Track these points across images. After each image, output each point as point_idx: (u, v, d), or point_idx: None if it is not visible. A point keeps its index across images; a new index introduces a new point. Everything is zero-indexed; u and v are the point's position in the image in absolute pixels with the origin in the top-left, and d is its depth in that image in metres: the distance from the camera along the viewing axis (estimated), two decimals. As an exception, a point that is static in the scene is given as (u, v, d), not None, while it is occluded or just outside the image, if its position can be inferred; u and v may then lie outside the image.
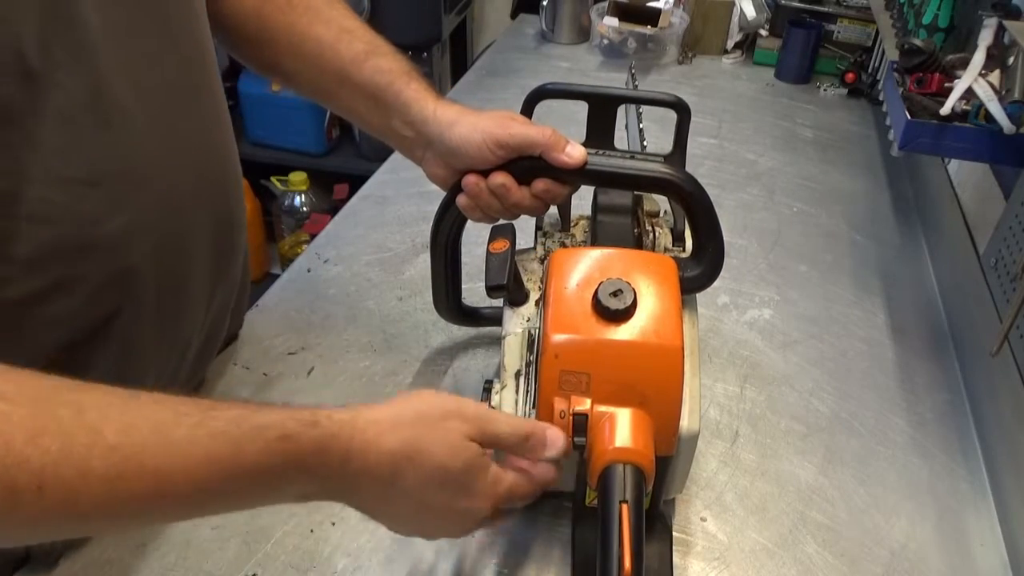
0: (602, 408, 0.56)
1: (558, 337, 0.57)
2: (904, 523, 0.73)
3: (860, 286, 1.02)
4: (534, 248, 0.75)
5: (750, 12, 1.60)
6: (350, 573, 0.65)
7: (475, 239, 0.76)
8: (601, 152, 0.67)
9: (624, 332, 0.56)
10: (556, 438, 0.56)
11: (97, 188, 0.55)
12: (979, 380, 0.86)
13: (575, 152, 0.63)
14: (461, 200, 0.68)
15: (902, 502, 0.75)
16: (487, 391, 0.65)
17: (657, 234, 0.74)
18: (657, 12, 1.57)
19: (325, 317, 0.92)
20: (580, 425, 0.56)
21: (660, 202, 0.77)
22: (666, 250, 0.73)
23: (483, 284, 0.64)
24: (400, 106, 0.69)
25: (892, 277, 1.04)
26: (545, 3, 1.70)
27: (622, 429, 0.55)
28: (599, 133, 0.74)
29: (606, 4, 1.62)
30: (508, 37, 1.80)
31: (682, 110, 0.73)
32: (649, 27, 1.57)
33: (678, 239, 0.74)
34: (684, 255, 0.71)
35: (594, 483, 0.55)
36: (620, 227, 0.72)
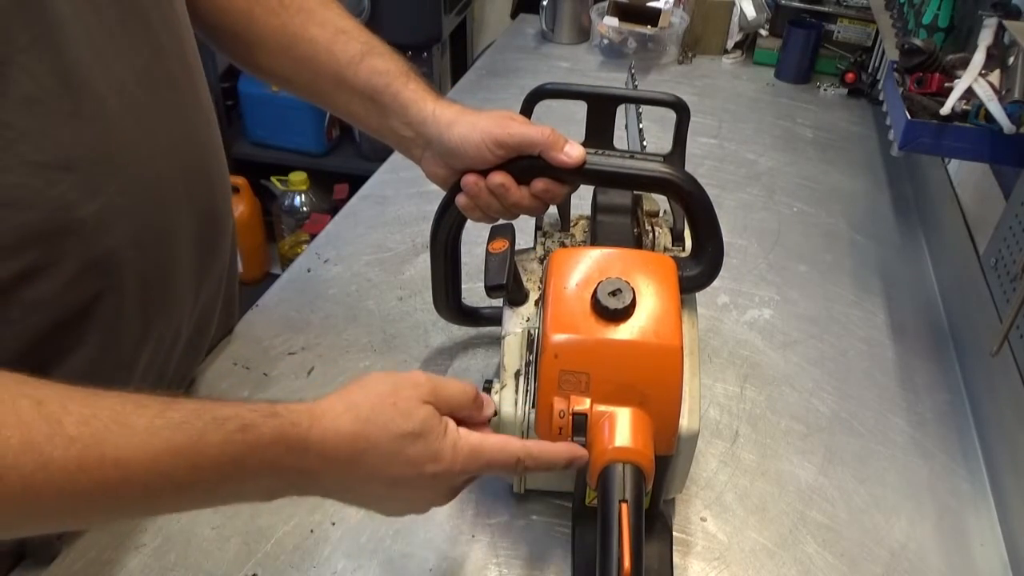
0: (601, 408, 0.56)
1: (557, 337, 0.57)
2: (904, 523, 0.73)
3: (860, 286, 1.02)
4: (533, 248, 0.75)
5: (750, 12, 1.60)
6: (350, 573, 0.65)
7: (475, 239, 0.76)
8: (600, 152, 0.67)
9: (623, 332, 0.56)
10: (488, 399, 0.60)
11: (70, 173, 0.55)
12: (979, 380, 0.86)
13: (574, 151, 0.63)
14: (460, 200, 0.68)
15: (902, 502, 0.75)
16: (487, 391, 0.65)
17: (657, 234, 0.74)
18: (657, 12, 1.57)
19: (325, 317, 0.92)
20: (580, 425, 0.56)
21: (660, 202, 0.77)
22: (666, 249, 0.73)
23: (483, 284, 0.64)
24: (398, 107, 0.69)
25: (892, 277, 1.04)
26: (545, 3, 1.70)
27: (622, 429, 0.55)
28: (598, 133, 0.74)
29: (606, 4, 1.62)
30: (508, 37, 1.80)
31: (681, 110, 0.73)
32: (649, 27, 1.57)
33: (678, 239, 0.74)
34: (684, 255, 0.71)
35: (594, 483, 0.55)
36: (620, 227, 0.72)
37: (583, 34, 1.73)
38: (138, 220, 0.61)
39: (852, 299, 1.00)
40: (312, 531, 0.68)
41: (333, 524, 0.69)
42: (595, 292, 0.57)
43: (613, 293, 0.57)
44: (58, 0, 0.53)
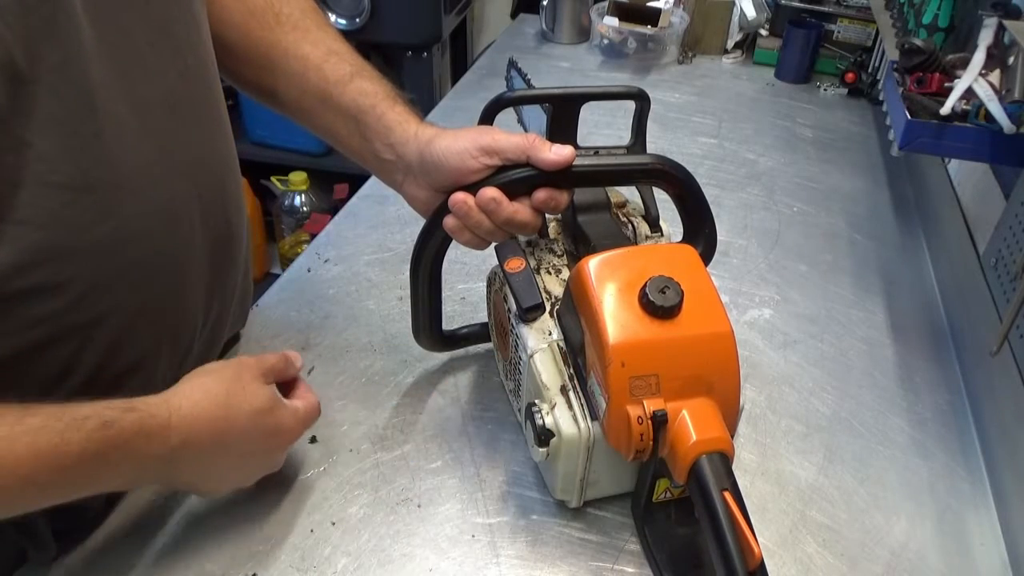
0: (673, 404, 0.57)
1: (622, 344, 0.57)
2: (904, 523, 0.73)
3: (860, 286, 1.02)
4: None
5: (750, 12, 1.60)
6: (350, 573, 0.65)
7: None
8: (585, 152, 0.67)
9: (680, 326, 0.57)
10: (295, 355, 0.68)
11: (87, 195, 0.55)
12: (979, 380, 0.86)
13: (562, 150, 0.63)
14: (449, 221, 0.66)
15: (902, 502, 0.75)
16: (532, 414, 0.63)
17: (635, 224, 0.74)
18: (657, 12, 1.57)
19: (325, 317, 0.92)
20: (660, 425, 0.56)
21: (622, 192, 0.76)
22: (647, 237, 0.74)
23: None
24: (382, 129, 0.69)
25: (892, 277, 1.05)
26: (545, 3, 1.70)
27: (700, 420, 0.56)
28: (562, 134, 0.71)
29: (606, 4, 1.62)
30: (508, 37, 1.80)
31: (642, 99, 0.72)
32: (649, 27, 1.57)
33: (654, 226, 0.74)
34: (663, 240, 0.72)
35: (683, 478, 0.56)
36: (607, 223, 0.71)
37: (583, 34, 1.73)
38: (150, 243, 0.61)
39: (852, 299, 1.00)
40: (312, 531, 0.68)
41: (333, 524, 0.69)
42: (643, 292, 0.57)
43: (662, 291, 0.57)
44: (83, 23, 0.52)
